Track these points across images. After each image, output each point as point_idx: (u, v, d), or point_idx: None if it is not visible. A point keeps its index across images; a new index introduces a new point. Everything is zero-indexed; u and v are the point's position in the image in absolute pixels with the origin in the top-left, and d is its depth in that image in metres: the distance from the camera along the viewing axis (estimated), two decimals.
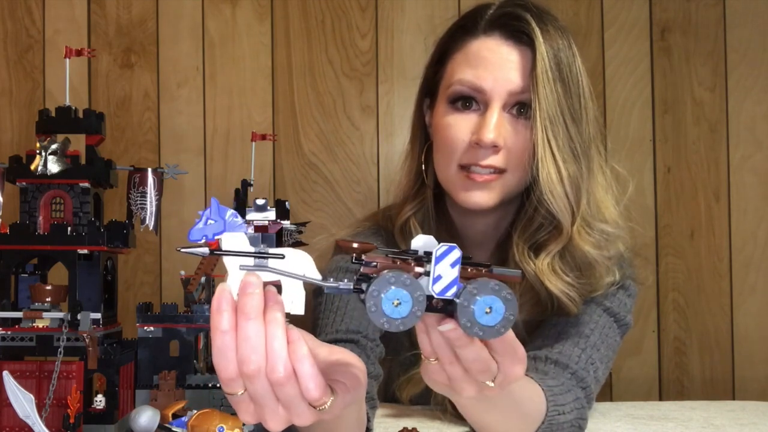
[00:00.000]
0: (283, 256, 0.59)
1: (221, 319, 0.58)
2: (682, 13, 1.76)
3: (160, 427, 0.66)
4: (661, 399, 1.74)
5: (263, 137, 1.46)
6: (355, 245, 0.58)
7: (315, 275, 0.60)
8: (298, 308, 0.61)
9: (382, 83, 1.73)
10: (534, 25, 1.03)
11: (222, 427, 0.63)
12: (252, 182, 1.39)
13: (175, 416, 0.71)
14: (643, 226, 1.72)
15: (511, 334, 0.63)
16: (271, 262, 0.59)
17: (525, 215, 1.07)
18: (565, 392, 0.96)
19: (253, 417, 0.61)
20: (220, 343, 0.58)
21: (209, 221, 0.59)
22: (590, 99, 1.07)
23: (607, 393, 1.73)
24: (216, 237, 0.60)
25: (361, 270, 0.59)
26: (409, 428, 0.71)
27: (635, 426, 1.14)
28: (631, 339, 1.73)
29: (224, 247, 0.60)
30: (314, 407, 0.60)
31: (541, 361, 1.02)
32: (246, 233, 0.60)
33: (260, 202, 1.29)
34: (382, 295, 0.57)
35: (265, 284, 0.60)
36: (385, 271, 0.58)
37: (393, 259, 0.59)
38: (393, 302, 0.57)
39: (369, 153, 1.73)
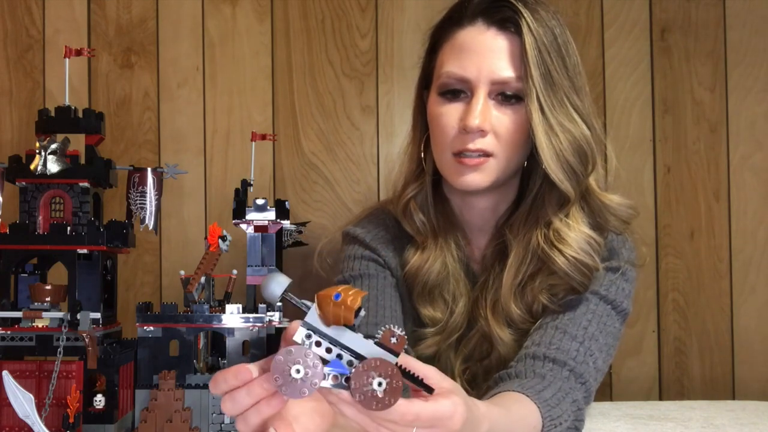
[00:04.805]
0: None
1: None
2: (682, 13, 1.76)
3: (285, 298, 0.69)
4: (661, 399, 1.74)
5: (263, 137, 1.46)
6: None
7: None
8: None
9: (382, 83, 1.73)
10: (519, 6, 1.05)
11: (339, 294, 0.65)
12: (252, 182, 1.40)
13: None
14: (643, 226, 1.72)
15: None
16: None
17: (530, 194, 1.12)
18: (561, 400, 0.96)
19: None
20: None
21: None
22: (585, 79, 1.10)
23: (607, 393, 1.73)
24: None
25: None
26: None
27: (635, 426, 1.14)
28: (631, 339, 1.73)
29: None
30: None
31: (540, 360, 1.03)
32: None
33: (260, 202, 1.30)
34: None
35: None
36: None
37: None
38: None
39: (369, 153, 1.73)
